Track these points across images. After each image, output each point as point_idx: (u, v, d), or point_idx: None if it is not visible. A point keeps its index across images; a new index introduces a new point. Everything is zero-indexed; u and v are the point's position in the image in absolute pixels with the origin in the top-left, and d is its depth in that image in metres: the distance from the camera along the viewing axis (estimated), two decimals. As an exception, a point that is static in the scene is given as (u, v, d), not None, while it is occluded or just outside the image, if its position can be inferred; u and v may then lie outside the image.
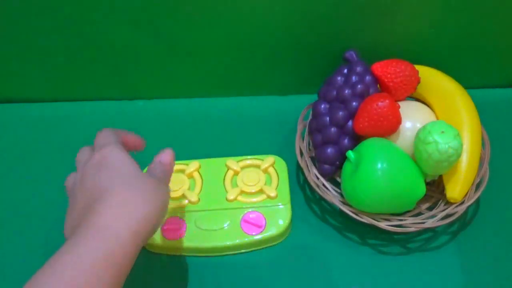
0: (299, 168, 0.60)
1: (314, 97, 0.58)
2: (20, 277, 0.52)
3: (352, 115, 0.54)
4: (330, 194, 0.54)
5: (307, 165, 0.56)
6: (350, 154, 0.52)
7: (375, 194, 0.49)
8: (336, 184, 0.56)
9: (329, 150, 0.55)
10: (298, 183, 0.60)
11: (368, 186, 0.49)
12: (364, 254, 0.54)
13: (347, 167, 0.52)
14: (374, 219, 0.51)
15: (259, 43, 0.62)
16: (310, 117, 0.59)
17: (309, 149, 0.59)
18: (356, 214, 0.52)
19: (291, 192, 0.56)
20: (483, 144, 0.55)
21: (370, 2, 0.57)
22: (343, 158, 0.54)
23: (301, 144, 0.57)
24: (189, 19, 0.59)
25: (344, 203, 0.53)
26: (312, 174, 0.55)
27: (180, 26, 0.60)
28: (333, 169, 0.55)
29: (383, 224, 0.51)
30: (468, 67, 0.65)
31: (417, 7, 0.58)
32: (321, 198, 0.57)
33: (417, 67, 0.55)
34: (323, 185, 0.55)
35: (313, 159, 0.57)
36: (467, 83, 0.57)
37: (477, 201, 0.56)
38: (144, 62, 0.64)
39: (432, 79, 0.57)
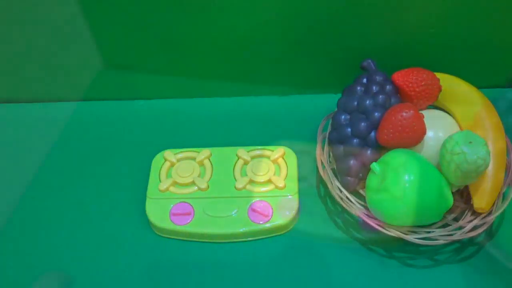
0: (308, 161, 0.60)
1: (314, 97, 0.64)
2: (20, 276, 0.52)
3: (374, 125, 0.53)
4: (355, 207, 0.53)
5: (329, 178, 0.54)
6: (375, 166, 0.51)
7: (404, 207, 0.48)
8: (355, 194, 0.55)
9: (352, 162, 0.54)
10: (307, 174, 0.59)
11: (397, 199, 0.48)
12: (362, 253, 0.53)
13: (372, 180, 0.51)
14: (401, 232, 0.50)
15: (262, 43, 0.61)
16: (329, 128, 0.58)
17: (330, 161, 0.57)
18: (383, 228, 0.51)
19: (299, 184, 0.56)
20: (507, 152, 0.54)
21: (377, 2, 0.57)
22: (366, 170, 0.53)
23: (322, 157, 0.56)
24: (190, 19, 0.58)
25: (369, 215, 0.52)
26: (335, 187, 0.54)
27: (181, 26, 0.59)
28: (356, 181, 0.54)
29: (411, 237, 0.50)
30: (468, 67, 0.64)
31: (420, 8, 0.57)
32: (339, 207, 0.56)
33: (437, 74, 0.54)
34: (347, 198, 0.54)
35: (333, 171, 0.56)
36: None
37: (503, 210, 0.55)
38: (145, 62, 0.64)
39: (453, 86, 0.56)
